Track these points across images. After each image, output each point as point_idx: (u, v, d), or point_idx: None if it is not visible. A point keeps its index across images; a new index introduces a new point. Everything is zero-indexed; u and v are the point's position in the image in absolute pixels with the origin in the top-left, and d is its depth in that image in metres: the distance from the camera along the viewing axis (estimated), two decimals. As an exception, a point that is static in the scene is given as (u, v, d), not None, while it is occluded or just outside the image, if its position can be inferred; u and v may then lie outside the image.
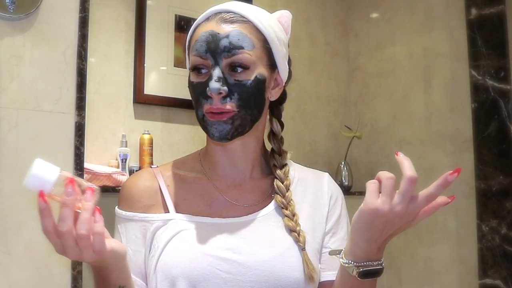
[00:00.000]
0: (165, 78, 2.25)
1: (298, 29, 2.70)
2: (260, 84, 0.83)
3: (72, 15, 1.61)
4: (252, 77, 0.82)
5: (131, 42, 2.18)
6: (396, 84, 2.68)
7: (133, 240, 0.85)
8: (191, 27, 0.89)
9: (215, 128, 0.81)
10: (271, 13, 0.91)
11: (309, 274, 0.81)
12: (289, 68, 0.93)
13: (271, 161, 0.92)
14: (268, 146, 0.96)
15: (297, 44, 2.66)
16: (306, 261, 0.81)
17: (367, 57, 2.85)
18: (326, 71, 2.84)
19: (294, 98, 2.63)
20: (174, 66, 2.26)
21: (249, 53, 0.81)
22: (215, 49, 0.81)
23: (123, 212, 0.87)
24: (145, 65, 2.19)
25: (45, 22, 1.57)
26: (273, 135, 0.94)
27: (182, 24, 2.29)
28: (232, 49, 0.80)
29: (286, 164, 0.92)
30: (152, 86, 2.20)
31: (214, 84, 0.79)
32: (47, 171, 0.66)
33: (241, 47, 0.81)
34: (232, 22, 0.83)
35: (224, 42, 0.81)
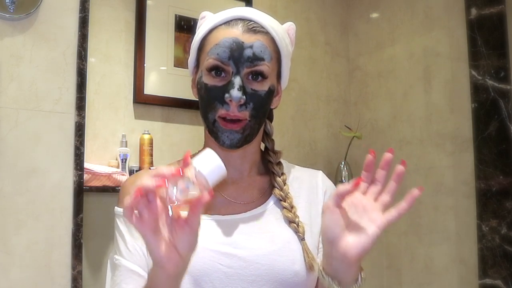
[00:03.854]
0: (165, 78, 2.25)
1: (298, 29, 2.68)
2: (271, 95, 0.87)
3: (72, 15, 1.62)
4: (267, 88, 0.85)
5: (131, 42, 2.18)
6: (396, 84, 2.68)
7: (136, 236, 0.84)
8: (201, 27, 0.88)
9: (226, 136, 0.83)
10: (275, 18, 0.92)
11: (309, 263, 0.82)
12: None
13: (267, 158, 0.94)
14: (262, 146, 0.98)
15: (297, 44, 2.65)
16: (306, 250, 0.83)
17: (367, 57, 2.85)
18: (326, 71, 2.84)
19: (294, 98, 2.63)
20: (174, 66, 2.26)
21: (269, 65, 0.84)
22: (239, 58, 0.82)
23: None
24: (145, 65, 2.19)
25: (45, 22, 1.57)
26: (266, 135, 0.96)
27: (182, 24, 2.29)
28: (255, 60, 0.83)
29: (280, 162, 0.95)
30: (152, 86, 2.20)
31: (236, 93, 0.81)
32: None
33: (263, 59, 0.83)
34: (255, 32, 0.84)
35: (248, 52, 0.83)
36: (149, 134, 2.11)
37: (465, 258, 2.29)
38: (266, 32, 0.86)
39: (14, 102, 1.51)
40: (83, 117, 1.62)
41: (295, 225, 0.85)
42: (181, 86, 2.22)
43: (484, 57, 2.20)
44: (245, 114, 0.83)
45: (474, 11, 2.25)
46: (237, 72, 0.82)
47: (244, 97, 0.82)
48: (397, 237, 2.53)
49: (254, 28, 0.85)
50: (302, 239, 0.84)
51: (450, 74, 2.42)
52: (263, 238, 0.84)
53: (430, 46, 2.52)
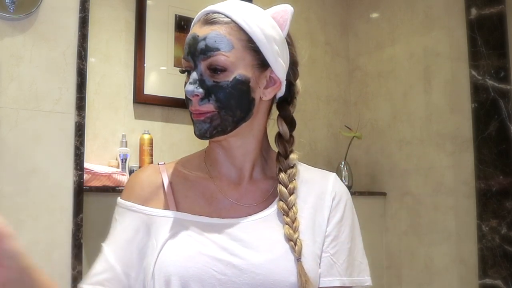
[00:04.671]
0: (165, 78, 2.25)
1: (298, 29, 2.70)
2: (240, 85, 0.82)
3: (72, 15, 1.62)
4: (231, 78, 0.81)
5: (131, 42, 2.18)
6: (396, 84, 2.68)
7: (128, 229, 0.84)
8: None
9: (196, 126, 0.83)
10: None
11: (302, 286, 0.79)
12: (294, 67, 0.92)
13: (277, 165, 0.90)
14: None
15: (297, 44, 2.66)
16: (300, 273, 0.79)
17: (367, 57, 2.86)
18: (326, 71, 2.84)
19: (294, 98, 2.64)
20: (174, 66, 2.26)
21: (226, 55, 0.80)
22: (194, 52, 0.82)
23: (123, 201, 0.88)
24: (145, 65, 2.19)
25: (45, 22, 1.57)
26: (279, 136, 0.92)
27: (182, 24, 2.29)
28: (208, 51, 0.80)
29: (293, 166, 0.90)
30: (152, 86, 2.20)
31: (188, 87, 0.81)
32: None
33: (217, 49, 0.80)
34: (212, 23, 0.82)
35: (201, 45, 0.81)
36: (149, 134, 2.11)
37: (465, 258, 2.29)
38: (229, 21, 0.82)
39: (14, 102, 1.51)
40: (83, 117, 1.62)
41: (292, 243, 0.81)
42: (181, 86, 2.19)
43: (484, 57, 2.20)
44: (209, 107, 0.81)
45: (474, 11, 2.25)
46: (195, 67, 0.82)
47: (201, 90, 0.81)
48: (397, 237, 2.53)
49: (212, 19, 0.82)
50: (298, 259, 0.80)
51: (450, 74, 2.42)
52: (261, 245, 0.81)
53: (430, 46, 2.52)
